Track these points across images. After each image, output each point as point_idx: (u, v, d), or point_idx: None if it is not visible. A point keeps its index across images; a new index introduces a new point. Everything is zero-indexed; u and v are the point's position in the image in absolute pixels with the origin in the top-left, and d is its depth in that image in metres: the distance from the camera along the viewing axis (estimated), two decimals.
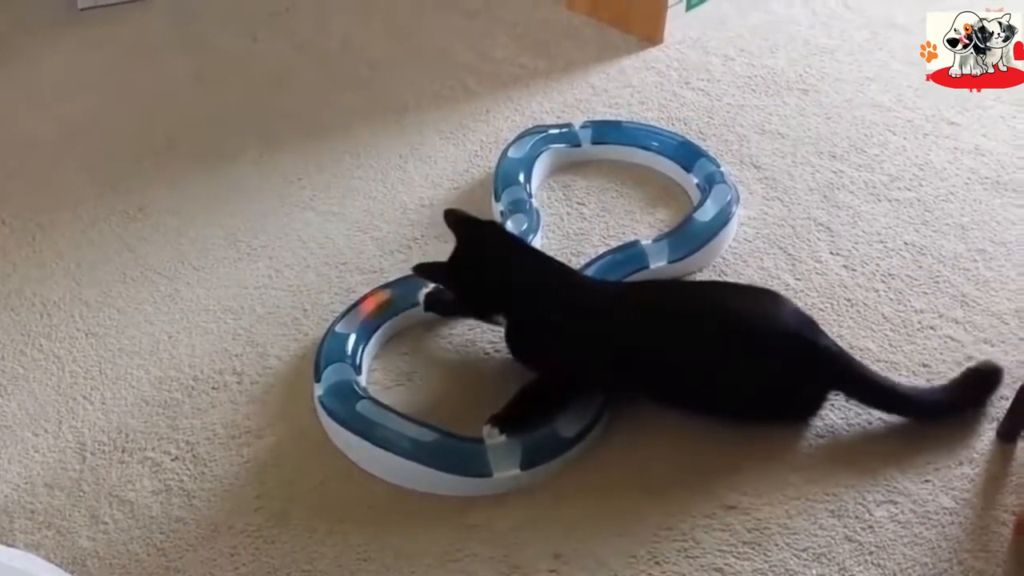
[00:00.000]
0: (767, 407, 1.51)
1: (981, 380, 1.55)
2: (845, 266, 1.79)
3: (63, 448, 1.50)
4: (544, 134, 2.02)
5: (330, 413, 1.49)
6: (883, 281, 1.76)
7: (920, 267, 1.79)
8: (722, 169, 1.93)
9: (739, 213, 1.86)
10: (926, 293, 1.74)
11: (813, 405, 1.53)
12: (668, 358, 1.49)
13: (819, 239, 1.85)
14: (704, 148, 2.00)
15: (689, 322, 1.50)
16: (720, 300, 1.57)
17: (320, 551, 1.37)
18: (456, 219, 1.59)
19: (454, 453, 1.44)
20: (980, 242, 1.84)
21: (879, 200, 1.93)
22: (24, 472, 1.47)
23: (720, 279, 1.75)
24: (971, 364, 1.58)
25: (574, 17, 2.47)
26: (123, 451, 1.50)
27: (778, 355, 1.47)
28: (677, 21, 2.39)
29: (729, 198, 1.85)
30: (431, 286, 1.64)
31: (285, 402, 1.57)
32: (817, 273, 1.77)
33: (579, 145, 2.02)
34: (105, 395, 1.58)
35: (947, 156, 2.04)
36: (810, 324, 1.53)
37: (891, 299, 1.73)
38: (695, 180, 1.92)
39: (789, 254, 1.81)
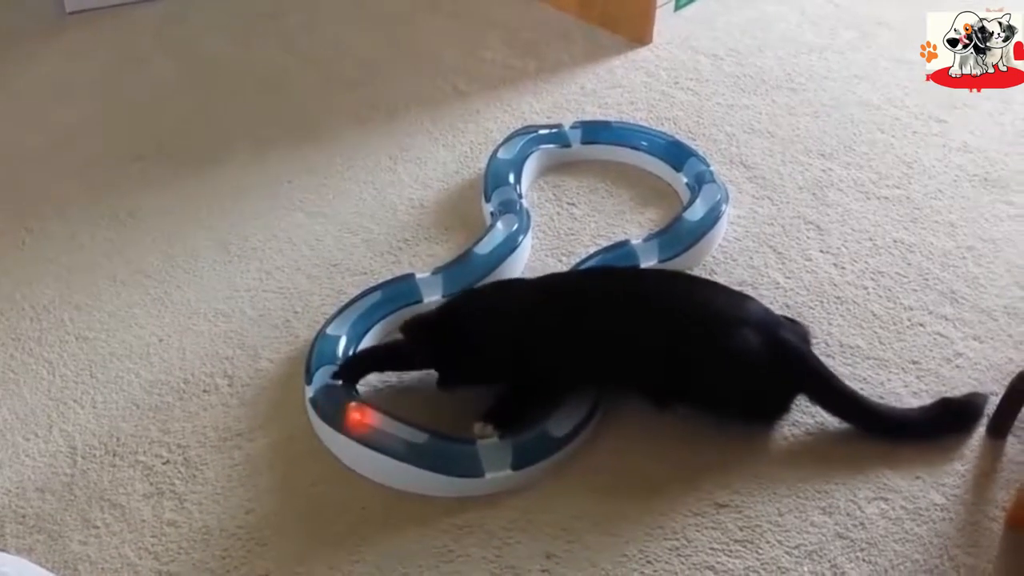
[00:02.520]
0: (729, 403, 1.50)
1: (958, 411, 1.53)
2: (835, 264, 1.79)
3: (54, 452, 1.50)
4: (534, 135, 2.02)
5: (321, 415, 1.49)
6: (872, 279, 1.77)
7: (909, 264, 1.80)
8: (711, 168, 1.93)
9: (729, 212, 1.86)
10: (915, 290, 1.75)
11: (777, 406, 1.52)
12: (638, 346, 1.48)
13: (809, 237, 1.85)
14: (693, 147, 2.00)
15: (657, 310, 1.50)
16: (690, 292, 1.57)
17: (312, 553, 1.37)
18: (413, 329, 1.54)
19: (445, 454, 1.44)
20: (969, 239, 1.85)
21: (868, 198, 1.94)
22: (15, 476, 1.47)
23: (708, 278, 1.75)
24: (952, 395, 1.56)
25: (563, 18, 2.47)
26: (114, 455, 1.49)
27: (742, 346, 1.46)
28: (666, 21, 2.40)
29: (719, 197, 1.85)
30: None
31: (276, 404, 1.56)
32: (807, 271, 1.78)
33: (569, 145, 2.03)
34: (96, 399, 1.58)
35: (936, 154, 2.05)
36: (778, 322, 1.53)
37: (880, 296, 1.73)
38: (684, 179, 1.92)
39: (779, 253, 1.82)
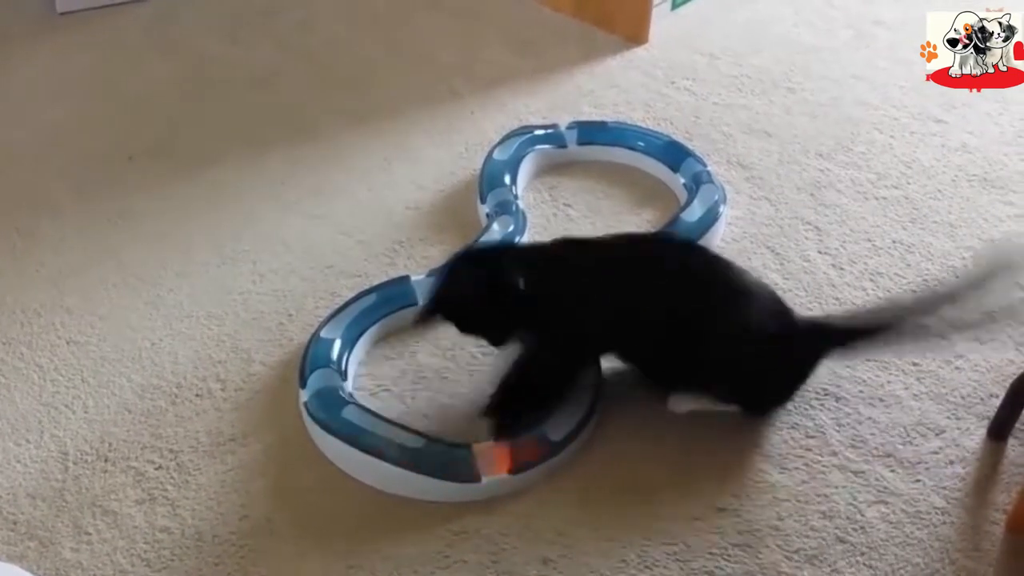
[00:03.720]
0: (736, 385, 1.48)
1: None
2: (833, 265, 1.78)
3: (45, 458, 1.48)
4: (530, 135, 2.01)
5: (315, 419, 1.47)
6: (871, 280, 1.75)
7: (908, 265, 1.78)
8: (709, 169, 1.92)
9: (726, 213, 1.85)
10: (915, 291, 1.73)
11: (781, 391, 1.51)
12: (649, 320, 1.46)
13: (807, 238, 1.84)
14: (690, 148, 1.99)
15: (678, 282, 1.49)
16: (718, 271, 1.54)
17: (307, 559, 1.35)
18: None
19: (442, 458, 1.43)
20: (968, 239, 1.84)
21: (867, 199, 1.93)
22: (6, 483, 1.45)
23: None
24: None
25: (559, 18, 2.46)
26: (106, 460, 1.48)
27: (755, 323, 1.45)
28: (662, 21, 2.39)
29: (716, 198, 1.84)
30: None
31: (270, 409, 1.55)
32: (805, 272, 1.77)
33: (565, 146, 2.01)
34: (87, 404, 1.56)
35: (934, 154, 2.04)
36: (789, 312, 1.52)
37: (879, 297, 1.72)
38: (682, 180, 1.91)
39: (777, 253, 1.81)
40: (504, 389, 1.49)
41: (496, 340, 1.50)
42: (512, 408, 1.47)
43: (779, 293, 1.56)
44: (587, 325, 1.47)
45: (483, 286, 1.46)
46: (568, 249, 1.53)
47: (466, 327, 1.50)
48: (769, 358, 1.47)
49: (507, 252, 1.58)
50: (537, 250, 1.59)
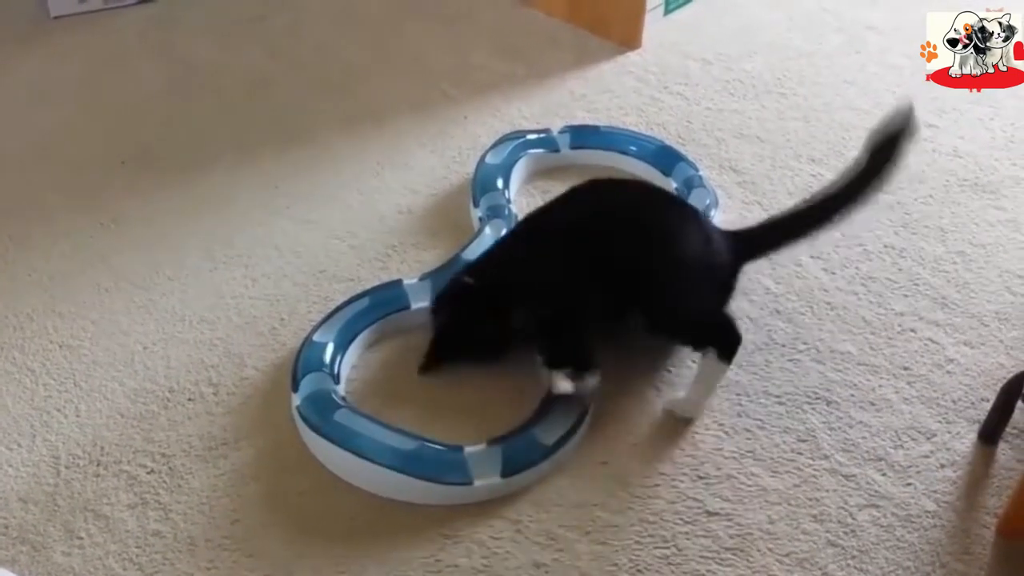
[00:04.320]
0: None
1: (889, 137, 1.56)
2: (824, 269, 1.79)
3: (37, 462, 1.48)
4: (522, 140, 2.01)
5: (308, 423, 1.47)
6: (863, 284, 1.76)
7: (900, 270, 1.79)
8: (701, 173, 1.93)
9: (718, 217, 1.85)
10: (906, 296, 1.74)
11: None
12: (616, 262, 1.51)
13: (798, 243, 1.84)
14: (683, 152, 2.00)
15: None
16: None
17: (299, 563, 1.35)
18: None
19: (434, 461, 1.43)
20: (959, 244, 1.85)
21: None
22: None
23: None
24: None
25: (552, 23, 2.47)
26: (98, 464, 1.48)
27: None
28: (655, 26, 2.40)
29: (708, 202, 1.85)
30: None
31: (262, 413, 1.55)
32: (797, 277, 1.77)
33: (558, 150, 2.02)
34: (80, 408, 1.56)
35: (925, 159, 2.05)
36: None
37: (871, 302, 1.73)
38: (674, 184, 1.91)
39: (768, 258, 1.80)
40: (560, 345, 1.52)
41: (495, 345, 1.57)
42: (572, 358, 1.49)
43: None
44: (545, 276, 1.53)
45: (447, 299, 1.61)
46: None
47: (465, 345, 1.59)
48: (704, 287, 1.52)
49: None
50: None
